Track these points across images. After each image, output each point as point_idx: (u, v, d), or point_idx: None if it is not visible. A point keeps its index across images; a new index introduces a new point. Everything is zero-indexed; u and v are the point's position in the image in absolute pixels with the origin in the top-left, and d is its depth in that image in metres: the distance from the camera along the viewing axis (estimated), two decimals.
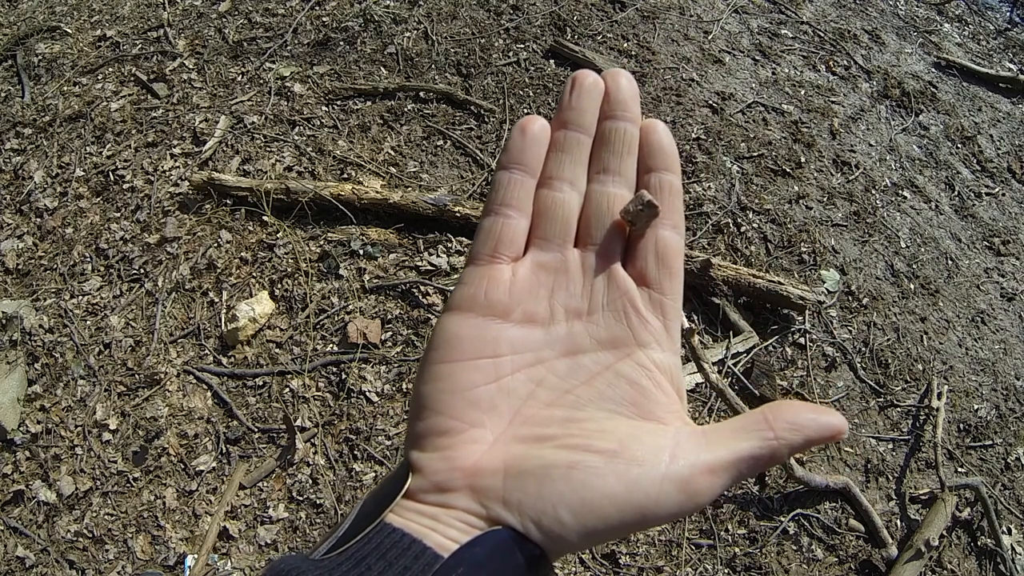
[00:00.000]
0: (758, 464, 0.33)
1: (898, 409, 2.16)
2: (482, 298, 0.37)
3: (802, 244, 2.41)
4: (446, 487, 0.33)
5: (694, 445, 0.33)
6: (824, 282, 2.35)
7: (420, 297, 2.09)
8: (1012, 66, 3.58)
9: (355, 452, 1.88)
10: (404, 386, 1.97)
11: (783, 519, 1.87)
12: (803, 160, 2.70)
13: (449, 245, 2.19)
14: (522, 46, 2.86)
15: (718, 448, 0.33)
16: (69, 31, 2.99)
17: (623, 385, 0.36)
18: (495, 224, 0.37)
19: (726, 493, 1.89)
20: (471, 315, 0.37)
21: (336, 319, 2.07)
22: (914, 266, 2.52)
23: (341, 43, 2.81)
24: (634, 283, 0.38)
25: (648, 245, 0.38)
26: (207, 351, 2.04)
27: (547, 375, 0.36)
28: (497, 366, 0.36)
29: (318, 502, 1.81)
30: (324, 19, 2.92)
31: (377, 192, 2.23)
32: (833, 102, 3.00)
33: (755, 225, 2.43)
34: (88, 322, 2.11)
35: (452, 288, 1.87)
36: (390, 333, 2.04)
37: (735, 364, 2.06)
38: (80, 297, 2.16)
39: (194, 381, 1.99)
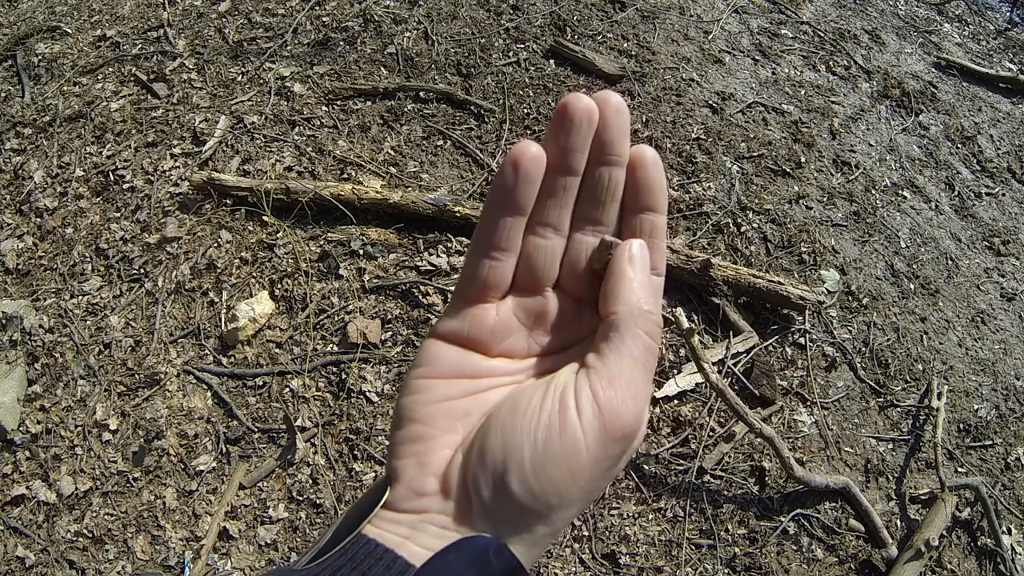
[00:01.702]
0: (647, 342, 0.36)
1: (898, 409, 2.16)
2: (465, 333, 0.39)
3: (802, 244, 2.41)
4: (421, 491, 0.35)
5: (595, 373, 0.35)
6: (824, 282, 2.35)
7: (420, 297, 2.09)
8: (1012, 66, 3.58)
9: (355, 452, 1.88)
10: None
11: (783, 519, 1.87)
12: (803, 160, 2.70)
13: (449, 245, 2.20)
14: (522, 46, 2.86)
15: (607, 359, 0.35)
16: (69, 31, 2.99)
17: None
18: (482, 267, 0.38)
19: (725, 492, 1.89)
20: (454, 346, 0.39)
21: (336, 319, 2.07)
22: (914, 266, 2.52)
23: (341, 43, 2.81)
24: None
25: None
26: (207, 351, 2.04)
27: (517, 390, 0.39)
28: (474, 384, 0.39)
29: (318, 502, 1.81)
30: (324, 19, 2.92)
31: (377, 192, 2.23)
32: (833, 102, 3.00)
33: (755, 225, 2.43)
34: (88, 322, 2.11)
35: (448, 295, 1.86)
36: (390, 333, 2.04)
37: (735, 364, 2.06)
38: (80, 297, 2.16)
39: (194, 381, 1.99)
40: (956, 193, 2.85)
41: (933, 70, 3.37)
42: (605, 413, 0.34)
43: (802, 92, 2.99)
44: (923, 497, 2.00)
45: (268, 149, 2.46)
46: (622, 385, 0.34)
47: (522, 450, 0.33)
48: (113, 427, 1.92)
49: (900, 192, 2.76)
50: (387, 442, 1.89)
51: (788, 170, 2.64)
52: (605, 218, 0.39)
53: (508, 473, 0.33)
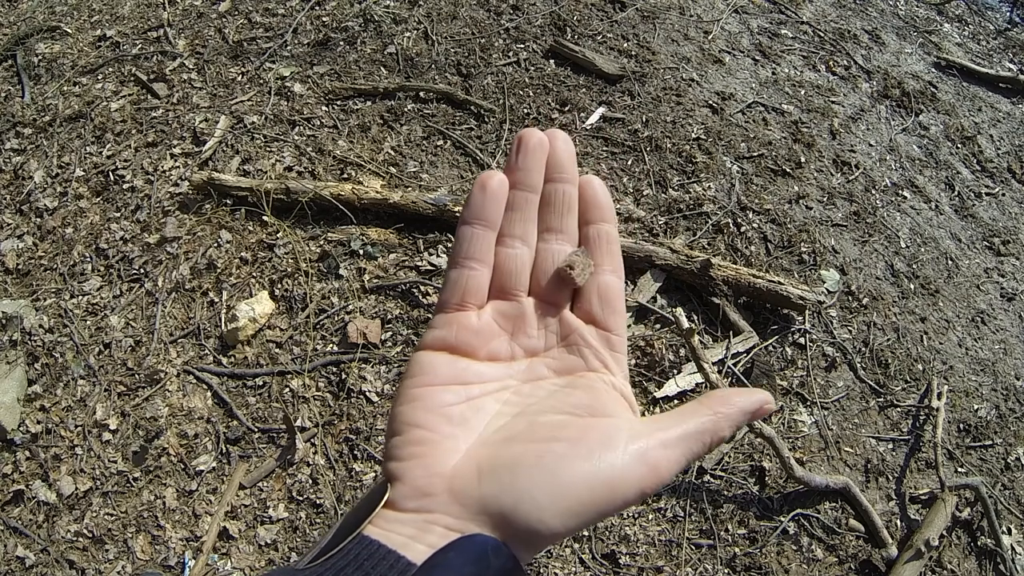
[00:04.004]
0: (704, 437, 0.38)
1: (898, 409, 2.16)
2: (452, 340, 0.42)
3: (802, 244, 2.41)
4: (426, 491, 0.36)
5: (646, 426, 0.38)
6: (824, 282, 2.35)
7: (420, 297, 2.09)
8: (1012, 66, 3.58)
9: (355, 452, 1.88)
10: None
11: (783, 519, 1.87)
12: (803, 160, 2.70)
13: (449, 245, 2.19)
14: (522, 46, 2.86)
15: (668, 427, 0.38)
16: (69, 31, 2.99)
17: (578, 393, 0.41)
18: (461, 276, 0.42)
19: (725, 492, 1.89)
20: (443, 354, 0.42)
21: (336, 319, 2.07)
22: (914, 266, 2.52)
23: (341, 43, 2.81)
24: (582, 322, 0.43)
25: (592, 289, 0.43)
26: (207, 351, 2.04)
27: (511, 396, 0.42)
28: (467, 390, 0.41)
29: (318, 502, 1.81)
30: (324, 19, 2.92)
31: (377, 192, 2.23)
32: (833, 102, 3.00)
33: (755, 225, 2.43)
34: (88, 322, 2.11)
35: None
36: (390, 333, 2.04)
37: (735, 364, 2.06)
38: (80, 297, 2.16)
39: (194, 381, 1.99)
40: (956, 193, 2.85)
41: (933, 70, 3.37)
42: (650, 469, 0.36)
43: (802, 92, 2.99)
44: (923, 497, 2.00)
45: (268, 149, 2.46)
46: (676, 449, 0.37)
47: (568, 490, 0.35)
48: (113, 427, 1.92)
49: (900, 192, 2.76)
50: (385, 445, 1.89)
51: (788, 170, 2.64)
52: (564, 227, 0.43)
53: (547, 511, 0.34)
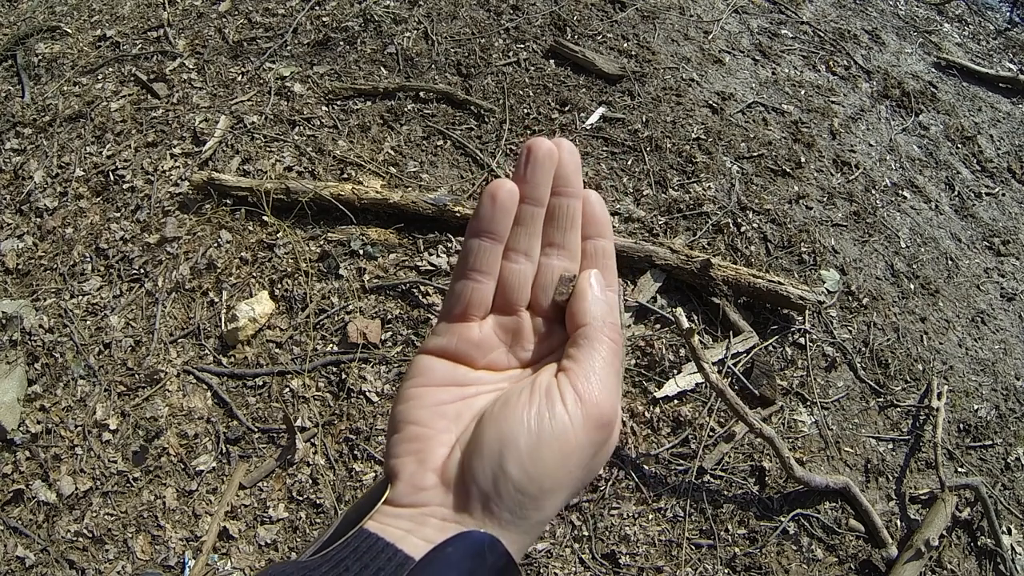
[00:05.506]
0: (611, 345, 0.41)
1: (898, 409, 2.16)
2: (452, 349, 0.44)
3: (802, 244, 2.41)
4: (420, 486, 0.38)
5: (573, 373, 0.40)
6: (824, 282, 2.35)
7: (420, 297, 2.09)
8: (1012, 66, 3.58)
9: (355, 452, 1.88)
10: None
11: (783, 519, 1.87)
12: (803, 160, 2.70)
13: (449, 245, 2.19)
14: (522, 46, 2.86)
15: (581, 362, 0.40)
16: (69, 31, 2.99)
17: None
18: (466, 289, 0.43)
19: (725, 492, 1.89)
20: (443, 360, 0.44)
21: (336, 319, 2.07)
22: (914, 266, 2.52)
23: (341, 43, 2.81)
24: None
25: None
26: (207, 351, 2.04)
27: (504, 392, 0.43)
28: (463, 391, 0.43)
29: (318, 502, 1.81)
30: (324, 19, 2.92)
31: (377, 192, 2.23)
32: (833, 102, 3.00)
33: (755, 225, 2.43)
34: (88, 322, 2.11)
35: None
36: (390, 333, 2.04)
37: (735, 364, 2.06)
38: (80, 297, 2.16)
39: (194, 381, 1.99)
40: (956, 193, 2.84)
41: (933, 70, 3.37)
42: (586, 402, 0.38)
43: (802, 92, 2.99)
44: (923, 497, 2.00)
45: (268, 149, 2.46)
46: (597, 380, 0.39)
47: (517, 437, 0.37)
48: (113, 427, 1.92)
49: (900, 192, 2.76)
50: (385, 444, 1.89)
51: (788, 170, 2.64)
52: (567, 243, 0.45)
53: (505, 459, 0.36)
